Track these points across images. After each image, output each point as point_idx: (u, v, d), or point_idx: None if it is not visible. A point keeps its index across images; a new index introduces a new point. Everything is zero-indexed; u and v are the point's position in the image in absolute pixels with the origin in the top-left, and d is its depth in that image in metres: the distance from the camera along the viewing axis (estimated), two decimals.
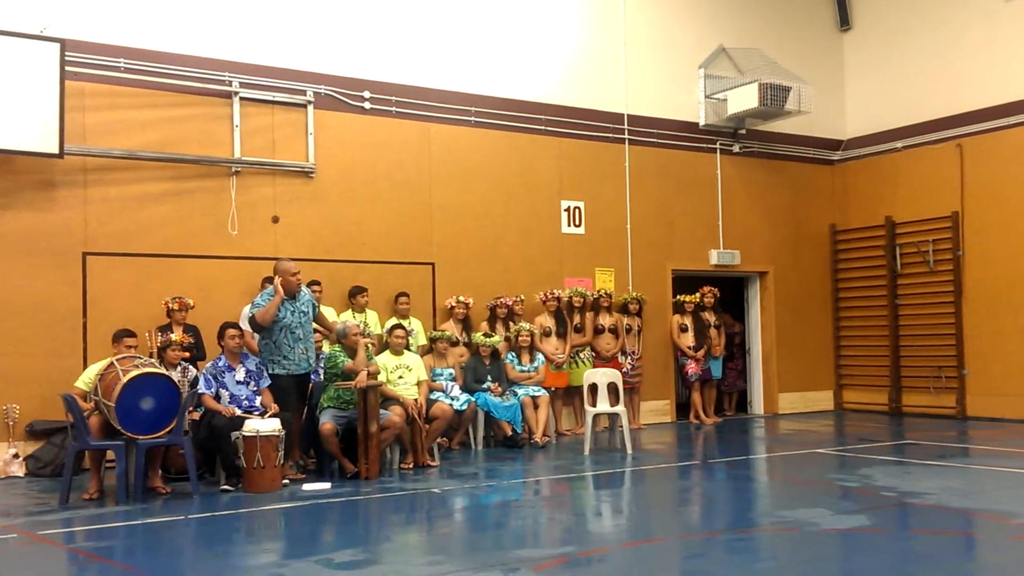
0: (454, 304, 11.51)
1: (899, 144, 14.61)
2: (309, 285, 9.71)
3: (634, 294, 13.04)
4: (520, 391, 11.14)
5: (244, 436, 8.18)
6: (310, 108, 11.18)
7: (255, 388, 8.81)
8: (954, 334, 13.76)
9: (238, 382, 8.76)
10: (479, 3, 12.42)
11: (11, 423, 9.40)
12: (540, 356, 11.66)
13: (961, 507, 7.29)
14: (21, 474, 9.37)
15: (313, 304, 9.23)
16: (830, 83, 15.25)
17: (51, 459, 9.42)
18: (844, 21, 15.47)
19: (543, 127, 12.76)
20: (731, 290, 14.80)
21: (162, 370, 8.22)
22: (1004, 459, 9.72)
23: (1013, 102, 13.15)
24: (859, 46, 15.40)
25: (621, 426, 10.59)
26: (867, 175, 15.07)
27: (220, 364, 8.81)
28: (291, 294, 8.93)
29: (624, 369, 12.30)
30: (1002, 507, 7.24)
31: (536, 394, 11.26)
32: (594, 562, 5.92)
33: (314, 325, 9.29)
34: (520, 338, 11.46)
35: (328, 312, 10.55)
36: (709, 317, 13.58)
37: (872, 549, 6.12)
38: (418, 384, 9.91)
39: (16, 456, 9.39)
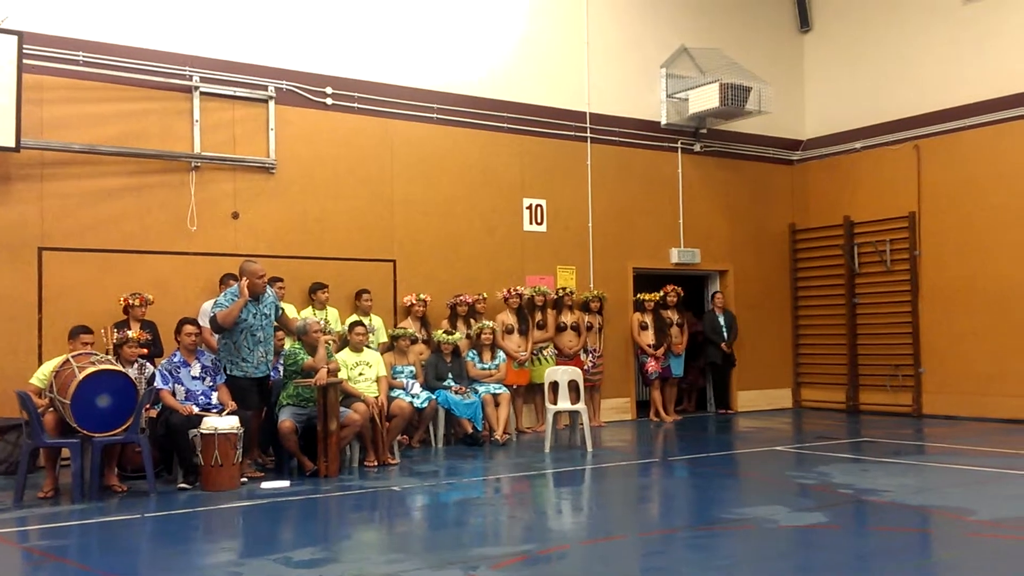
0: (413, 302, 11.48)
1: (858, 144, 14.79)
2: (271, 283, 9.63)
3: (595, 292, 13.08)
4: (481, 389, 11.14)
5: (202, 434, 8.10)
6: (271, 103, 11.09)
7: (211, 384, 8.74)
8: (911, 333, 13.96)
9: (193, 378, 8.69)
10: (442, 0, 12.39)
11: None
12: (501, 354, 11.67)
13: (917, 504, 7.39)
14: None
15: (276, 306, 9.13)
16: (790, 84, 15.40)
17: (5, 457, 9.26)
18: (804, 22, 15.62)
19: (505, 124, 12.76)
20: (692, 288, 14.88)
21: (119, 367, 8.11)
22: (959, 456, 9.88)
23: (971, 104, 13.35)
24: (819, 47, 15.57)
25: (582, 424, 10.62)
26: (826, 175, 15.25)
27: (176, 360, 8.74)
28: (256, 296, 8.85)
29: (585, 367, 12.34)
30: (957, 504, 7.35)
31: (497, 392, 11.26)
32: (554, 560, 5.94)
33: (275, 324, 9.21)
34: (483, 336, 11.46)
35: (288, 309, 10.48)
36: (672, 315, 13.65)
37: (829, 546, 6.20)
38: (377, 380, 9.88)
39: None
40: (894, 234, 14.20)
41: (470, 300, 11.84)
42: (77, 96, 10.05)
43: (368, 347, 10.20)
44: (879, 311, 14.43)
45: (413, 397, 10.34)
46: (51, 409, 8.01)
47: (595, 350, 12.83)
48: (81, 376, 7.68)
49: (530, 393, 12.37)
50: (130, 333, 8.90)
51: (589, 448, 10.43)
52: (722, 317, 14.35)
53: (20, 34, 9.42)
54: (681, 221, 14.33)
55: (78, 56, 10.02)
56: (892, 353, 14.18)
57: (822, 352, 15.12)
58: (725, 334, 14.28)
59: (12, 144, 9.36)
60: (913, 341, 13.93)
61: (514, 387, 11.80)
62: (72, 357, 8.01)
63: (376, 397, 9.65)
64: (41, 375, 8.26)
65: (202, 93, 10.68)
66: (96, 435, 7.80)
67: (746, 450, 10.88)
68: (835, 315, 14.90)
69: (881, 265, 14.37)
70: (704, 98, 13.77)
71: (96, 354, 8.23)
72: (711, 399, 14.89)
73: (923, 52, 14.02)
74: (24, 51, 9.44)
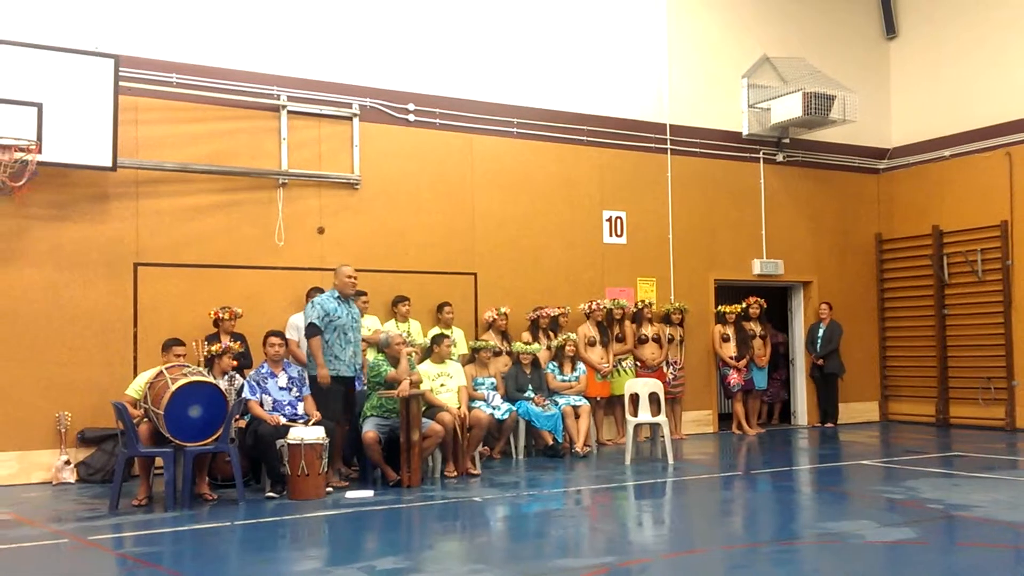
0: (496, 316, 11.57)
1: (947, 152, 14.44)
2: (356, 296, 9.81)
3: (676, 304, 13.01)
4: (561, 400, 11.17)
5: (289, 444, 8.29)
6: (355, 120, 11.32)
7: (297, 395, 8.95)
8: (1003, 344, 13.56)
9: (280, 388, 8.91)
10: (521, 16, 12.50)
11: (63, 430, 9.61)
12: (581, 365, 11.68)
13: (1010, 520, 7.17)
14: (72, 480, 9.57)
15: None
16: (876, 91, 15.11)
17: (101, 466, 9.61)
18: (890, 29, 15.33)
19: (585, 137, 12.80)
20: (774, 300, 14.67)
21: (210, 378, 8.35)
22: None
23: None
24: (905, 54, 15.25)
25: (663, 436, 10.57)
26: (914, 184, 14.91)
27: (263, 371, 8.97)
28: (347, 296, 9.15)
29: (667, 379, 12.27)
30: None
31: (577, 404, 11.27)
32: (635, 573, 5.93)
33: None
34: (567, 347, 11.49)
35: (372, 321, 10.69)
36: (754, 327, 13.49)
37: (918, 562, 6.07)
38: (458, 391, 9.95)
39: (68, 463, 9.59)
40: (985, 243, 13.82)
41: (553, 313, 11.89)
42: (170, 117, 10.40)
43: (450, 359, 10.31)
44: (970, 322, 14.04)
45: (494, 409, 10.41)
46: (145, 419, 8.29)
47: (676, 362, 12.75)
48: (174, 387, 7.93)
49: (610, 405, 12.34)
50: (231, 344, 9.18)
51: (670, 461, 10.37)
52: (823, 328, 14.10)
53: (116, 58, 9.79)
54: (763, 232, 14.16)
55: (171, 78, 10.37)
56: (984, 365, 13.78)
57: (910, 365, 14.76)
58: (818, 346, 14.04)
59: (109, 164, 9.73)
60: (1006, 353, 13.52)
61: (596, 399, 11.80)
62: (165, 369, 8.28)
63: (458, 408, 9.74)
64: (136, 386, 8.56)
65: (289, 112, 10.96)
66: (188, 445, 8.04)
67: (831, 464, 10.69)
68: (924, 327, 14.54)
69: (972, 275, 13.98)
70: (787, 107, 13.63)
71: (188, 366, 8.50)
72: (795, 412, 14.64)
73: (1014, 56, 13.63)
74: (120, 74, 9.81)
